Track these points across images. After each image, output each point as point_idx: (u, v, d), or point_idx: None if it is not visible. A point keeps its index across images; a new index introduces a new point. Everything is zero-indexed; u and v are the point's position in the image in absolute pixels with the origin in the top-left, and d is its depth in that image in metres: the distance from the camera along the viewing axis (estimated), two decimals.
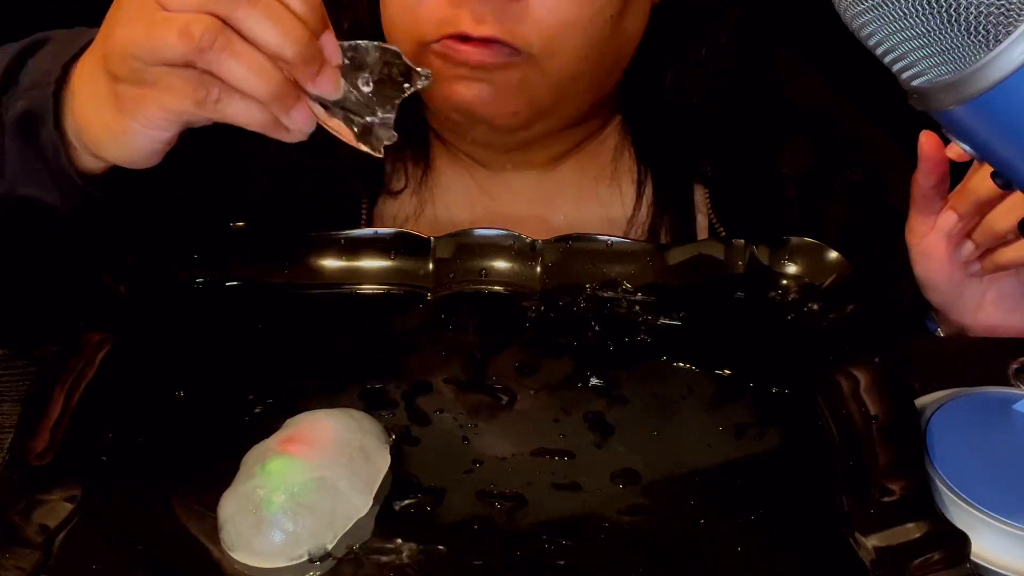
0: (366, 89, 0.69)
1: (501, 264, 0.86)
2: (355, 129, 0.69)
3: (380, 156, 0.71)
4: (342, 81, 0.68)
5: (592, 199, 0.98)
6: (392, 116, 0.70)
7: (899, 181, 0.87)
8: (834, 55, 0.86)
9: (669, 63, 0.92)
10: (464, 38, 0.82)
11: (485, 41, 0.81)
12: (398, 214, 0.98)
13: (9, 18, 1.40)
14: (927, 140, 0.82)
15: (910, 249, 0.87)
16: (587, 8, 0.82)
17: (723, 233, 0.95)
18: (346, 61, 0.69)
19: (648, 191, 0.97)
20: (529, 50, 0.82)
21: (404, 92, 0.70)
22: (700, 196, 0.98)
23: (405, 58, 0.70)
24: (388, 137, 0.71)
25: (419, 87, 0.70)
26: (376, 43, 0.69)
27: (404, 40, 0.85)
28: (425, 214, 0.98)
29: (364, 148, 0.70)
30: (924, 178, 0.83)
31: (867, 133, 1.02)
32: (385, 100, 0.70)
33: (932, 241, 0.85)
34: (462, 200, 0.98)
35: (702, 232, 0.97)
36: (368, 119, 0.70)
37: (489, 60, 0.82)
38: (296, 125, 0.69)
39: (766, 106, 0.98)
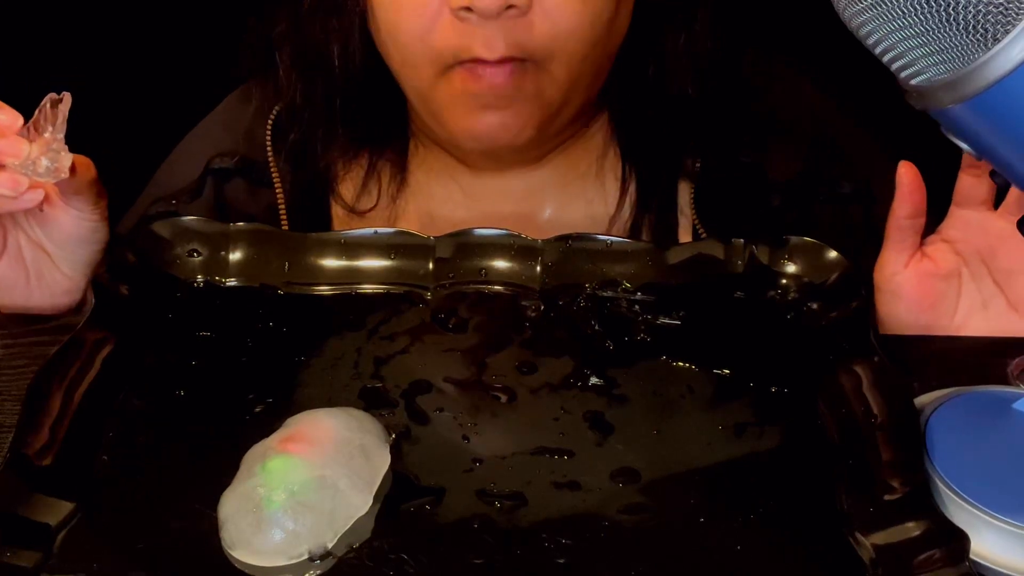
0: (47, 135, 0.77)
1: (501, 264, 0.86)
2: (49, 166, 0.77)
3: (67, 176, 0.78)
4: (25, 144, 0.76)
5: (577, 197, 0.98)
6: (63, 143, 0.78)
7: (888, 195, 0.84)
8: (833, 55, 0.86)
9: (651, 54, 0.92)
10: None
11: (500, 62, 0.83)
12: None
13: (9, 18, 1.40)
14: (906, 171, 0.81)
15: (877, 288, 0.84)
16: (587, 15, 0.84)
17: (704, 236, 0.95)
18: (46, 126, 0.77)
19: (632, 189, 0.97)
20: (541, 59, 0.84)
21: (63, 119, 0.77)
22: (684, 199, 0.98)
23: (54, 95, 0.77)
24: (67, 159, 0.78)
25: (62, 106, 0.77)
26: (49, 97, 0.77)
27: (423, 70, 0.86)
28: (402, 223, 0.98)
29: (58, 176, 0.77)
30: (900, 207, 0.82)
31: (859, 143, 1.02)
32: (58, 132, 0.78)
33: (904, 280, 0.83)
34: (444, 203, 0.98)
35: (684, 233, 0.97)
36: (55, 153, 0.77)
37: (510, 81, 0.83)
38: (6, 191, 0.75)
39: (755, 110, 0.98)
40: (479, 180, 0.98)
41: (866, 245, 0.87)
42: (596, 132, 0.98)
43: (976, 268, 0.83)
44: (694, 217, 0.96)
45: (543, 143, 0.94)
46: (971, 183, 0.81)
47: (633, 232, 0.96)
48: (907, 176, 0.81)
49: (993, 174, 0.65)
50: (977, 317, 0.84)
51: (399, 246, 0.86)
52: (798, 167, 0.98)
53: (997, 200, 0.82)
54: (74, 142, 0.78)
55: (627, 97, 0.95)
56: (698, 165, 0.97)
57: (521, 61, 0.83)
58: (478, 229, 0.87)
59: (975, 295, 0.84)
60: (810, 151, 0.98)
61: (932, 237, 0.84)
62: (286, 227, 0.97)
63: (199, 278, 0.85)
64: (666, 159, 0.97)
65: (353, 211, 0.98)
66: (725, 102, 0.95)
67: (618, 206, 0.97)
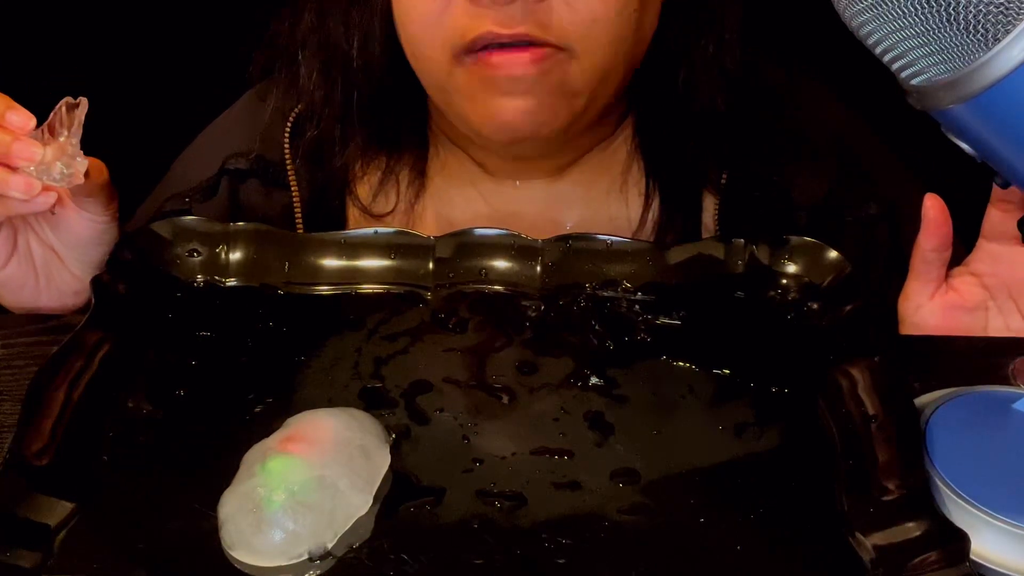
0: (63, 139, 0.76)
1: (501, 264, 0.86)
2: (65, 172, 0.76)
3: (82, 182, 0.78)
4: (39, 147, 0.75)
5: (599, 211, 0.97)
6: (78, 148, 0.77)
7: (916, 217, 0.84)
8: (859, 72, 0.86)
9: (678, 63, 0.91)
10: (496, 45, 0.81)
11: (517, 44, 0.81)
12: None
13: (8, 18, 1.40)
14: (932, 204, 0.81)
15: (902, 319, 0.84)
16: (612, 3, 0.82)
17: None
18: (62, 131, 0.76)
19: (655, 205, 0.96)
20: (567, 47, 0.82)
21: (79, 124, 0.77)
22: (708, 215, 0.97)
23: (70, 99, 0.77)
24: (83, 164, 0.77)
25: (79, 111, 0.77)
26: (65, 101, 0.77)
27: (433, 56, 0.84)
28: (418, 229, 0.97)
29: (73, 182, 0.77)
30: (926, 241, 0.81)
31: (887, 164, 1.01)
32: (73, 136, 0.77)
33: (929, 313, 0.83)
34: (463, 211, 0.97)
35: None
36: (71, 158, 0.77)
37: (530, 69, 0.82)
38: (19, 194, 0.75)
39: (782, 128, 0.97)
40: (500, 189, 0.97)
41: (892, 267, 0.87)
42: (620, 146, 0.97)
43: (1004, 303, 0.83)
44: (717, 232, 0.95)
45: (560, 148, 0.93)
46: (1000, 217, 0.81)
47: None
48: (933, 209, 0.81)
49: (994, 175, 0.65)
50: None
51: (399, 246, 0.86)
52: (825, 188, 0.97)
53: None
54: (83, 140, 0.78)
55: (654, 109, 0.94)
56: (724, 181, 0.96)
57: (545, 47, 0.81)
58: (478, 229, 0.87)
59: (1002, 330, 0.83)
60: (837, 171, 0.97)
61: (959, 269, 0.84)
62: (301, 230, 0.97)
63: (199, 278, 0.85)
64: (691, 175, 0.96)
65: (370, 214, 0.98)
66: (752, 118, 0.94)
67: (640, 222, 0.95)
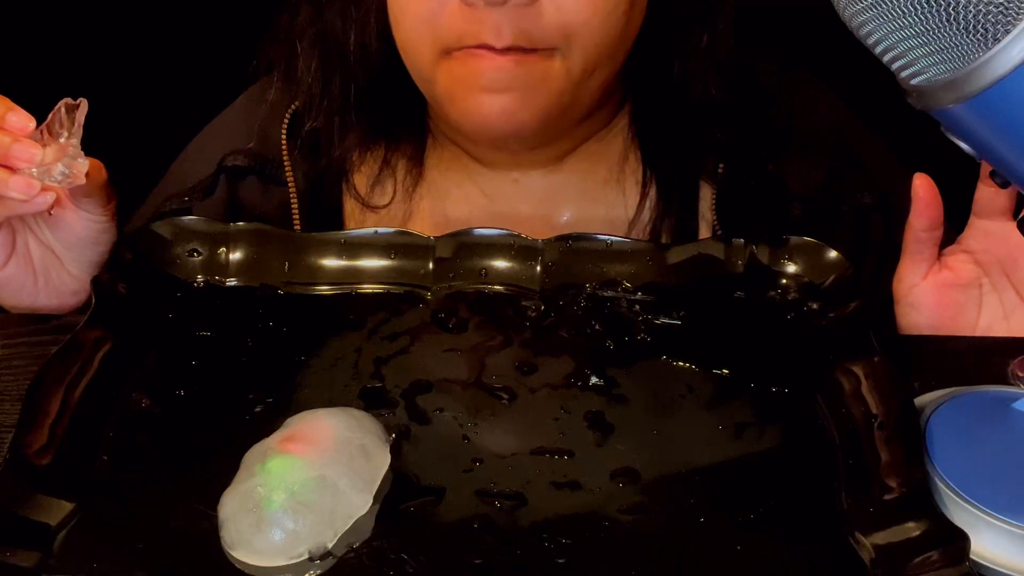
0: (63, 140, 0.77)
1: (501, 264, 0.86)
2: (65, 172, 0.77)
3: (83, 182, 0.78)
4: (38, 149, 0.76)
5: (597, 201, 0.98)
6: (79, 149, 0.77)
7: (907, 210, 0.84)
8: (850, 64, 0.86)
9: (673, 55, 0.92)
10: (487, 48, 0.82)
11: (507, 50, 0.82)
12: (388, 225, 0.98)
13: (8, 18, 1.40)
14: (921, 183, 0.81)
15: (897, 300, 0.85)
16: (601, 6, 0.83)
17: None
18: (61, 132, 0.77)
19: (652, 194, 0.96)
20: (552, 49, 0.83)
21: (79, 125, 0.77)
22: (705, 203, 0.97)
23: (69, 100, 0.77)
24: (84, 165, 0.78)
25: (79, 113, 0.77)
26: (65, 102, 0.77)
27: (424, 51, 0.85)
28: (415, 221, 0.98)
29: (74, 182, 0.78)
30: (917, 220, 0.82)
31: (879, 155, 1.01)
32: (74, 137, 0.78)
33: (922, 292, 0.83)
34: (460, 204, 0.98)
35: None
36: (71, 159, 0.77)
37: (512, 67, 0.82)
38: (18, 194, 0.75)
39: (778, 119, 0.97)
40: (497, 181, 0.97)
41: (886, 256, 0.87)
42: (616, 136, 0.97)
43: (997, 279, 0.83)
44: (715, 221, 0.96)
45: (555, 140, 0.94)
46: (990, 194, 0.81)
47: (653, 237, 0.95)
48: (923, 188, 0.81)
49: (993, 174, 0.65)
50: (999, 328, 0.83)
51: (399, 246, 0.86)
52: (819, 178, 0.97)
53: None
54: (83, 139, 0.78)
55: (649, 100, 0.95)
56: (721, 170, 0.97)
57: (527, 51, 0.82)
58: (478, 229, 0.87)
59: (997, 306, 0.83)
60: (831, 162, 0.98)
61: (952, 248, 0.84)
62: (298, 226, 0.97)
63: (199, 278, 0.85)
64: (687, 164, 0.97)
65: (367, 206, 0.98)
66: (747, 109, 0.95)
67: (638, 210, 0.96)
